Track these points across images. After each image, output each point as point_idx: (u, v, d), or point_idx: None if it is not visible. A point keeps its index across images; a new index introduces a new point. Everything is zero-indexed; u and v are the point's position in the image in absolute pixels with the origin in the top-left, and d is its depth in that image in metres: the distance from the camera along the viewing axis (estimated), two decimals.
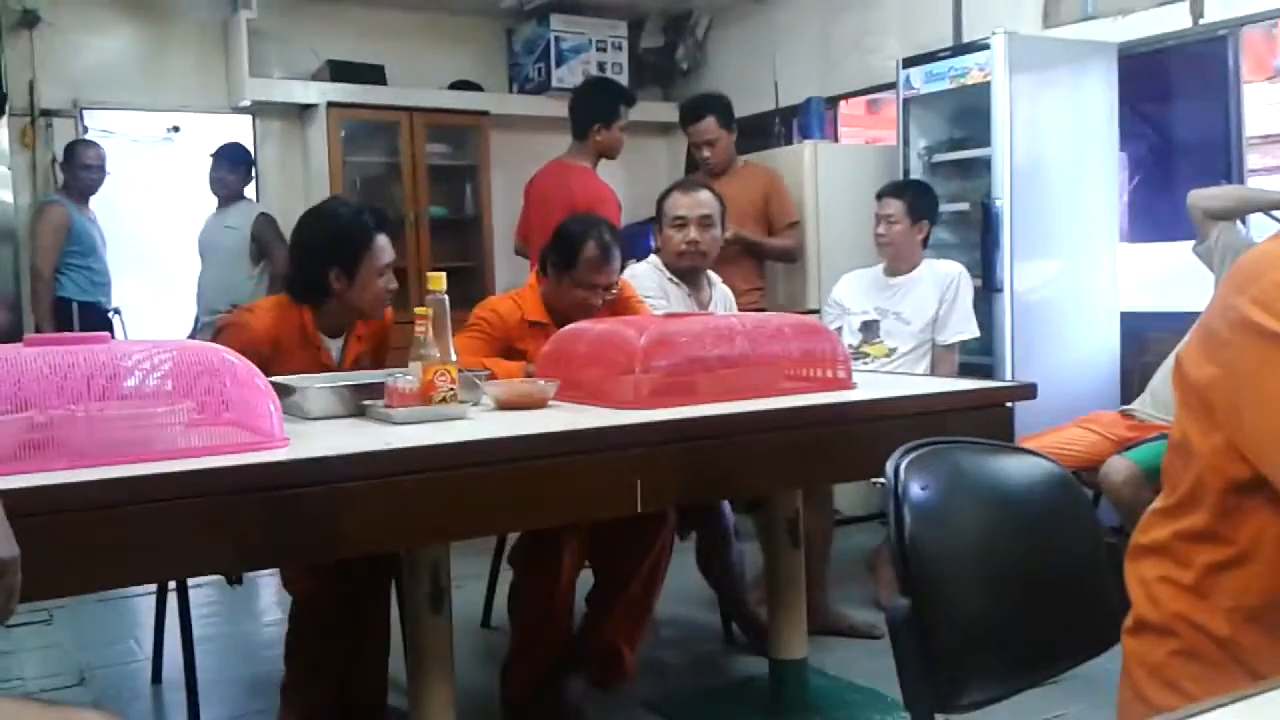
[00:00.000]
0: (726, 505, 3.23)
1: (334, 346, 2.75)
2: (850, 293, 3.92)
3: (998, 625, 1.41)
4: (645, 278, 3.45)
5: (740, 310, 3.73)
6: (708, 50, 6.40)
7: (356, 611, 2.57)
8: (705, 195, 3.50)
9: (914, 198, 3.80)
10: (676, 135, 6.25)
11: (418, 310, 2.20)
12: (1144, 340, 3.93)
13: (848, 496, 4.32)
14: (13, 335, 4.73)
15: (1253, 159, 4.38)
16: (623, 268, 3.07)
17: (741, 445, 2.21)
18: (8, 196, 5.02)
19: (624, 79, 6.02)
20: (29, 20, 5.12)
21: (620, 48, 6.21)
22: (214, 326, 2.89)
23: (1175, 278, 3.93)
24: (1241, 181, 4.10)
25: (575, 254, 2.87)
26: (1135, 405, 3.51)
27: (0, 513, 1.37)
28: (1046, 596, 1.47)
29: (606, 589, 2.82)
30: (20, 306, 5.02)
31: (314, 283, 2.63)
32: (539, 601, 2.72)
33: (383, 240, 2.69)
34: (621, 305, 3.06)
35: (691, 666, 3.29)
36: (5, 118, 4.89)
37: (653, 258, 3.57)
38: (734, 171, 4.52)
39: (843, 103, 5.71)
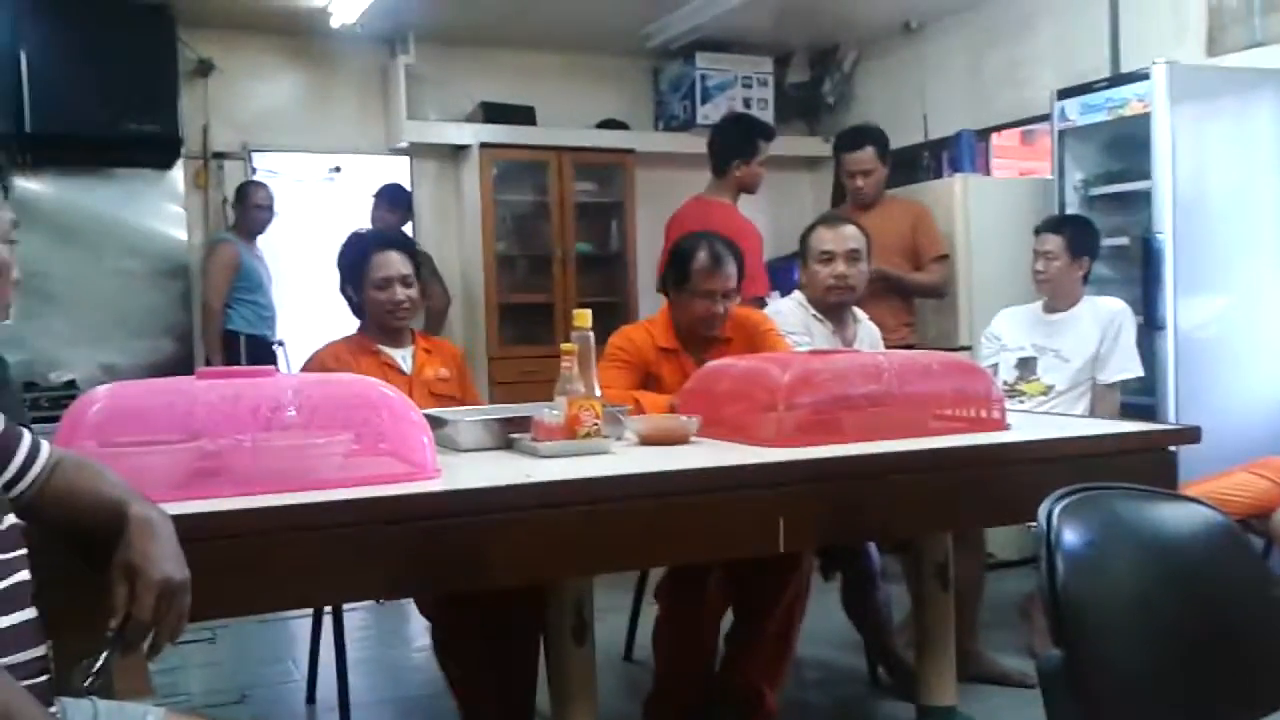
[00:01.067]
0: (872, 546, 3.18)
1: (398, 355, 2.96)
2: (1008, 328, 3.82)
3: (1155, 682, 1.34)
4: (789, 314, 3.43)
5: (890, 347, 3.68)
6: (854, 83, 6.36)
7: (493, 641, 2.62)
8: (851, 230, 3.47)
9: (1073, 233, 3.69)
10: (821, 169, 6.24)
11: (564, 346, 2.25)
12: None
13: (1001, 539, 4.19)
14: (183, 365, 5.00)
15: None
16: (756, 299, 3.06)
17: (888, 486, 2.17)
18: (182, 235, 5.33)
19: (769, 114, 6.03)
20: (204, 69, 5.44)
21: (765, 83, 6.23)
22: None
23: None
24: None
25: (687, 264, 2.92)
26: None
27: (173, 536, 1.45)
28: (1209, 654, 1.40)
29: (745, 627, 2.80)
30: (191, 338, 5.31)
31: (349, 302, 3.00)
32: (683, 638, 2.72)
33: (378, 258, 2.91)
34: (761, 339, 3.05)
35: (835, 709, 3.23)
36: (181, 161, 5.19)
37: (797, 294, 3.54)
38: (881, 205, 4.47)
39: (995, 135, 5.59)
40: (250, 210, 5.24)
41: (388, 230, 4.57)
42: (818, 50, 6.41)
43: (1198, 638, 1.40)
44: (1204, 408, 3.72)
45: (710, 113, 5.92)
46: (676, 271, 2.96)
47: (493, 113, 5.82)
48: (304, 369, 2.91)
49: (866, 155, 4.41)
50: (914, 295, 4.55)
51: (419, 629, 4.07)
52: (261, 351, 5.11)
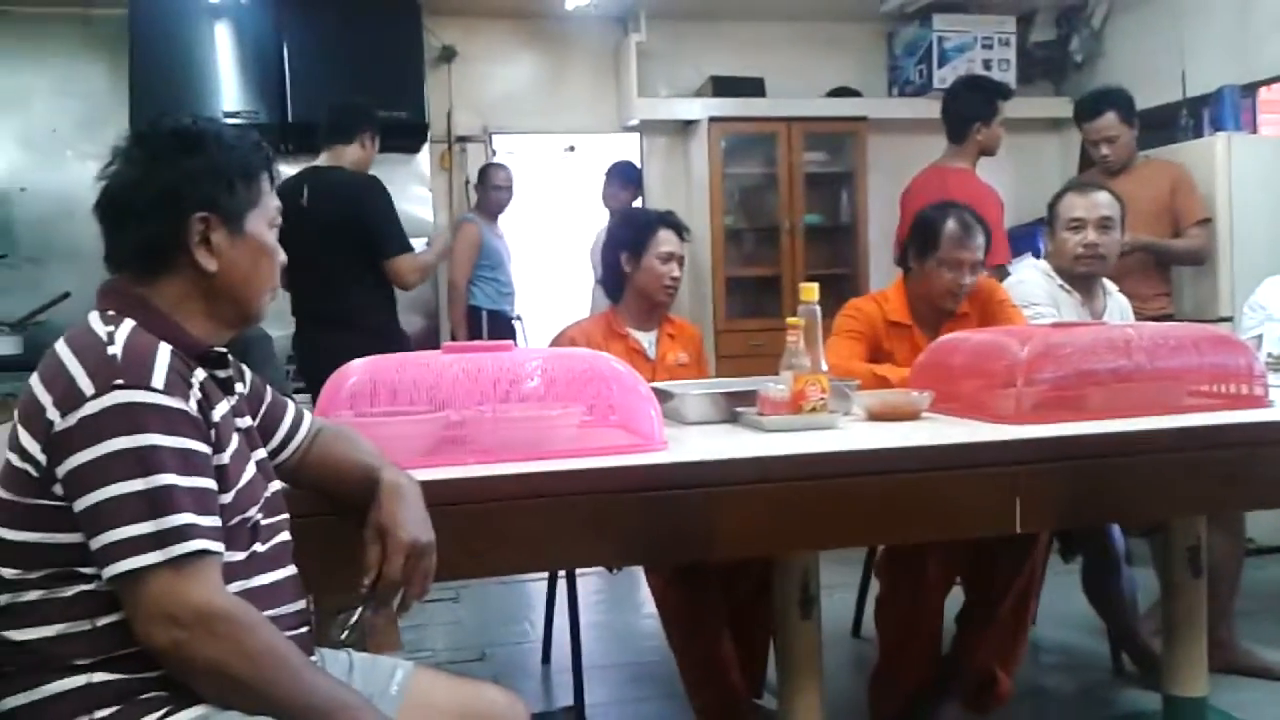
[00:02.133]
0: (1116, 528, 3.02)
1: (645, 339, 3.02)
2: (1275, 297, 3.53)
3: None
4: (1034, 285, 3.29)
5: (1146, 319, 3.48)
6: (1105, 40, 6.00)
7: (721, 613, 2.65)
8: (1103, 196, 3.29)
9: None
10: (1068, 131, 5.92)
11: (789, 320, 2.24)
12: None
13: (1263, 524, 3.90)
14: (430, 340, 5.27)
15: None
16: (1001, 271, 2.96)
17: (1135, 466, 2.06)
18: (429, 215, 5.59)
19: (1010, 75, 5.79)
20: (447, 55, 5.69)
21: (1008, 43, 5.97)
22: None
23: None
24: None
25: (937, 233, 2.87)
26: None
27: (420, 501, 1.55)
28: None
29: (977, 608, 2.73)
30: (438, 314, 5.58)
31: (612, 271, 3.04)
32: (904, 616, 2.67)
33: (666, 233, 3.01)
34: (996, 310, 2.95)
35: (1075, 696, 3.10)
36: (427, 144, 5.46)
37: (1043, 263, 3.39)
38: (1134, 169, 4.22)
39: (1262, 90, 5.15)
40: (491, 191, 5.46)
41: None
42: (1065, 6, 6.08)
43: None
44: None
45: (948, 75, 5.72)
46: (921, 241, 2.91)
47: (722, 86, 5.82)
48: (553, 344, 3.01)
49: (1109, 121, 4.16)
50: (1172, 263, 4.27)
51: (648, 595, 4.17)
52: (502, 327, 5.32)
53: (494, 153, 5.86)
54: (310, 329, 3.84)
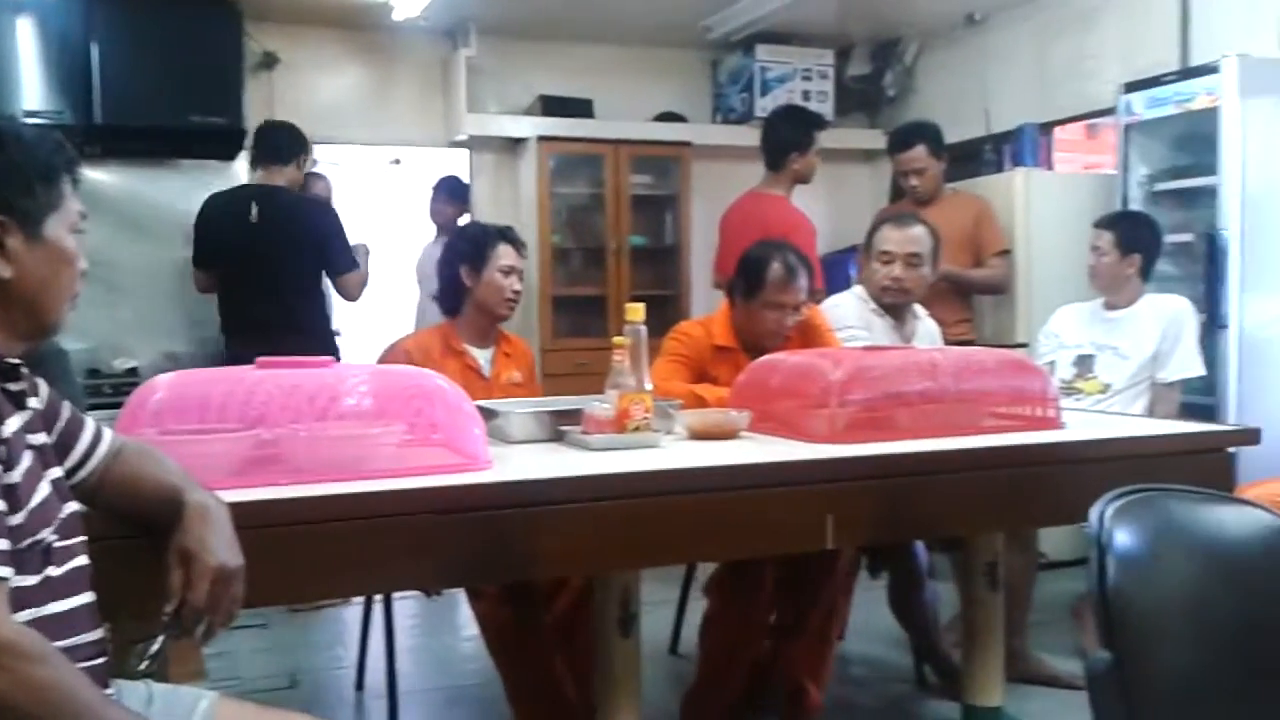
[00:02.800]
0: (920, 545, 3.16)
1: (481, 357, 3.02)
2: (1067, 325, 3.77)
3: (1206, 686, 1.33)
4: (848, 308, 3.42)
5: (948, 343, 3.65)
6: (916, 76, 6.29)
7: (544, 632, 2.64)
8: (918, 231, 3.43)
9: (1125, 229, 3.64)
10: (880, 162, 6.18)
11: (615, 340, 2.26)
12: None
13: (1054, 539, 4.14)
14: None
15: None
16: (816, 295, 3.06)
17: (940, 485, 2.16)
18: None
19: (828, 107, 6.00)
20: (269, 62, 5.51)
21: (826, 76, 6.18)
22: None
23: None
24: None
25: (761, 275, 2.91)
26: None
27: (228, 523, 1.49)
28: (1264, 658, 1.38)
29: (789, 623, 2.80)
30: None
31: (450, 284, 3.04)
32: (733, 633, 2.72)
33: (506, 247, 3.04)
34: (813, 334, 3.04)
35: (881, 707, 3.22)
36: (245, 152, 5.28)
37: (857, 288, 3.53)
38: (941, 200, 4.44)
39: (1058, 129, 5.50)
40: None
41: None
42: (879, 42, 6.35)
43: (1252, 642, 1.38)
44: (1266, 409, 3.64)
45: (769, 105, 5.88)
46: (746, 281, 2.95)
47: (551, 105, 5.84)
48: (385, 355, 2.97)
49: (918, 153, 4.38)
50: (975, 292, 4.50)
51: (468, 618, 4.11)
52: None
53: (315, 163, 5.71)
54: (258, 338, 3.67)
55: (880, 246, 3.42)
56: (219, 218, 4.26)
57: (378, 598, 3.15)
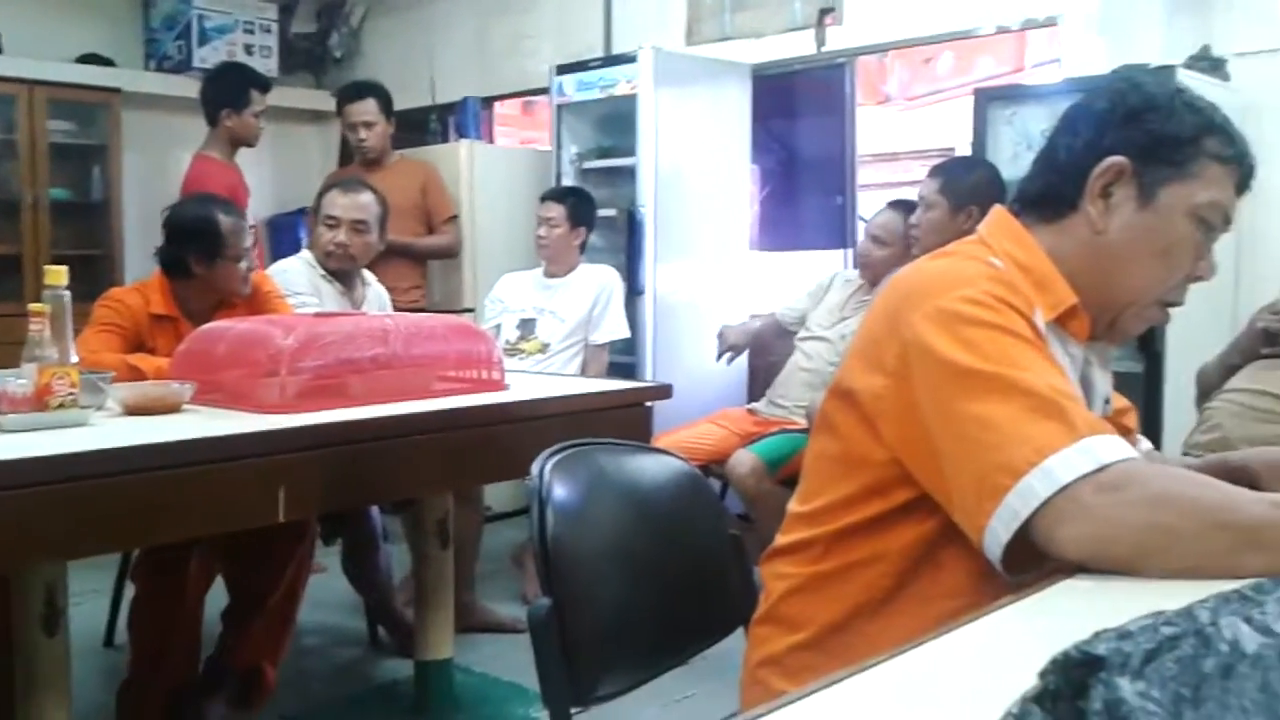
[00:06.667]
0: (374, 508, 3.19)
1: None
2: (511, 291, 3.99)
3: (632, 618, 1.49)
4: (296, 274, 3.34)
5: (401, 310, 3.70)
6: (363, 39, 6.25)
7: None
8: (366, 198, 3.42)
9: (575, 203, 3.93)
10: (327, 124, 6.09)
11: (32, 306, 2.02)
12: (769, 343, 4.24)
13: (497, 492, 4.37)
14: None
15: (864, 174, 4.85)
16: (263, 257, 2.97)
17: (391, 450, 2.20)
18: None
19: (272, 64, 5.78)
20: None
21: (269, 30, 5.94)
22: None
23: (796, 284, 4.27)
24: (854, 194, 4.54)
25: (217, 232, 2.74)
26: (759, 404, 3.80)
27: None
28: (676, 587, 1.58)
29: (244, 605, 2.70)
30: None
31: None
32: (163, 618, 2.56)
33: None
34: (261, 301, 2.94)
35: (336, 674, 3.22)
36: None
37: (305, 253, 3.46)
38: (391, 165, 4.47)
39: (499, 103, 5.77)
40: None
41: None
42: (324, 2, 6.23)
43: (668, 575, 1.57)
44: (679, 366, 4.13)
45: (209, 56, 5.56)
46: (208, 242, 2.74)
47: None
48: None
49: (369, 106, 4.39)
50: (427, 258, 4.59)
51: None
52: None
53: None
54: None
55: (327, 211, 3.38)
56: None
57: None
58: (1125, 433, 1.46)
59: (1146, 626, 0.51)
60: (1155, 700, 0.46)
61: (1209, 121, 1.26)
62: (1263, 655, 0.47)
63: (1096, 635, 0.52)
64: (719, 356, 3.93)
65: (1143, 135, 1.26)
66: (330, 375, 2.33)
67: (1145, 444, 1.57)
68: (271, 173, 5.47)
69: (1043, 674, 0.51)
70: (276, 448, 1.99)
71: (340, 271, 3.39)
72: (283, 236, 5.06)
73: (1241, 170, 1.28)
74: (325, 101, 6.07)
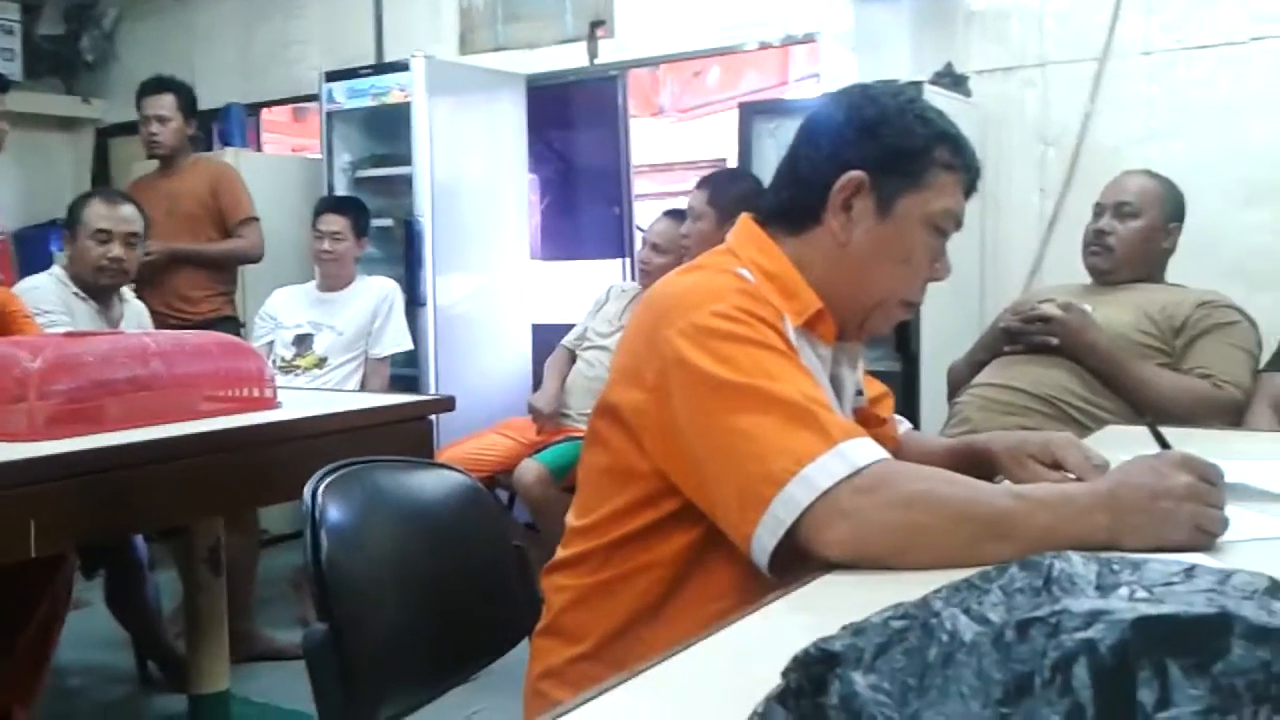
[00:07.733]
0: (139, 537, 3.03)
1: None
2: (283, 307, 3.87)
3: (413, 638, 1.47)
4: (46, 291, 3.15)
5: (197, 325, 3.56)
6: (117, 43, 5.92)
7: None
8: (130, 210, 3.27)
9: (356, 215, 3.86)
10: (80, 130, 5.76)
11: None
12: (551, 351, 4.26)
13: (275, 514, 4.23)
14: None
15: (640, 184, 4.96)
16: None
17: (154, 476, 2.08)
18: None
19: (16, 66, 5.41)
20: None
21: (12, 31, 5.56)
22: None
23: (577, 293, 4.32)
24: (630, 204, 4.63)
25: None
26: None
27: None
28: (458, 604, 1.57)
29: None
30: None
31: None
32: None
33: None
34: (6, 322, 2.75)
35: (103, 714, 3.05)
36: None
37: (57, 269, 3.26)
38: (185, 167, 4.23)
39: (266, 110, 5.58)
40: None
41: None
42: (73, 3, 5.86)
43: (450, 592, 1.55)
44: (461, 377, 4.11)
45: None
46: None
47: None
48: None
49: (164, 101, 4.15)
50: (222, 265, 4.29)
51: None
52: None
53: None
54: None
55: (94, 225, 3.20)
56: None
57: None
58: (881, 423, 1.56)
59: (879, 622, 0.55)
60: (885, 691, 0.50)
61: (939, 132, 1.36)
62: (978, 643, 0.52)
63: (841, 631, 0.56)
64: (538, 432, 3.66)
65: (878, 149, 1.33)
66: (84, 399, 2.19)
67: (905, 424, 1.68)
68: (21, 182, 5.11)
69: (785, 672, 0.54)
70: (25, 479, 1.86)
71: (99, 288, 3.21)
72: (33, 250, 4.73)
73: (968, 177, 1.38)
74: (77, 108, 5.73)
